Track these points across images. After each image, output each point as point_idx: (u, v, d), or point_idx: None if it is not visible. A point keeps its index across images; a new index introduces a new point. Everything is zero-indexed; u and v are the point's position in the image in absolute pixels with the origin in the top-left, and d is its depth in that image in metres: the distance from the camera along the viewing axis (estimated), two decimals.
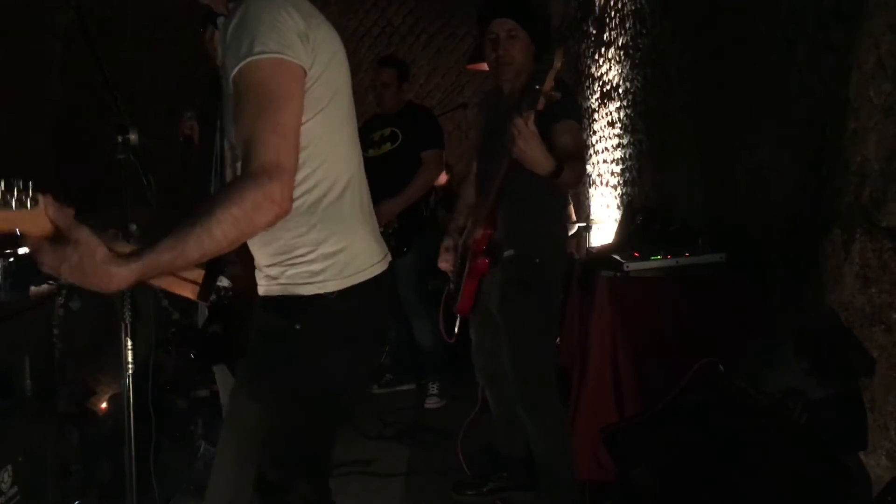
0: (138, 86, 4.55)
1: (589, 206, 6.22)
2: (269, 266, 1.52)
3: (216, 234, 1.24)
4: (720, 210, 3.23)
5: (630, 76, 4.82)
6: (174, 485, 2.91)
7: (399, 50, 8.09)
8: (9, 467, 2.06)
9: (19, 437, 2.14)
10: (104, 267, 1.19)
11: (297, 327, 1.48)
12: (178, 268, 1.31)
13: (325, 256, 1.48)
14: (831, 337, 2.21)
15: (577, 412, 2.80)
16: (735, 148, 3.06)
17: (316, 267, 1.48)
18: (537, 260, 2.50)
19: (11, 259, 2.89)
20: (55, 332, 3.00)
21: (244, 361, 1.59)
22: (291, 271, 1.49)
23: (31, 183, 1.14)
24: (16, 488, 2.08)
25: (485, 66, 2.73)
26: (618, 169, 5.23)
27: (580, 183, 2.71)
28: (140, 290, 2.14)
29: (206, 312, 1.55)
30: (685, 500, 2.13)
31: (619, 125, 5.17)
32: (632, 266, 2.75)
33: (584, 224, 5.66)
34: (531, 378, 2.49)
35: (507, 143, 2.20)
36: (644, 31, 4.41)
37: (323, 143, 1.46)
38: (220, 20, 1.54)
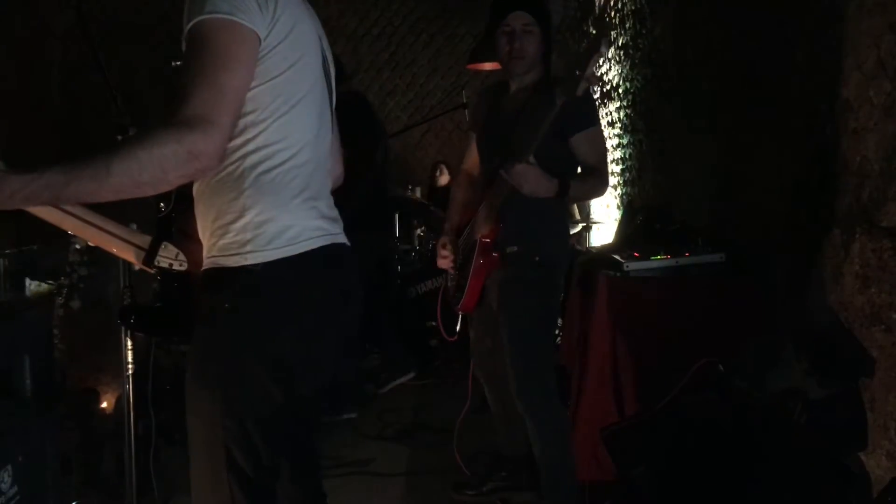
0: (138, 86, 4.55)
1: (589, 206, 6.22)
2: (205, 238, 1.48)
3: (115, 168, 1.19)
4: (720, 210, 3.23)
5: (630, 76, 4.82)
6: (174, 485, 2.91)
7: (399, 50, 8.09)
8: (9, 467, 2.05)
9: (19, 437, 2.14)
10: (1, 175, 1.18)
11: (227, 305, 1.42)
12: (69, 196, 1.23)
13: (252, 226, 1.42)
14: (831, 337, 2.21)
15: (577, 412, 2.80)
16: (735, 147, 3.06)
17: (242, 237, 1.42)
18: (538, 258, 2.50)
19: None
20: (55, 332, 2.99)
21: (191, 346, 1.52)
22: (221, 242, 1.44)
23: None
24: (16, 488, 2.08)
25: (485, 66, 2.74)
26: (618, 169, 5.24)
27: (600, 195, 2.71)
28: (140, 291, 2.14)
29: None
30: (685, 500, 2.13)
31: (619, 125, 5.17)
32: (632, 266, 2.75)
33: (584, 224, 5.66)
34: (531, 376, 2.49)
35: (509, 173, 2.28)
36: (644, 31, 4.41)
37: (269, 112, 1.42)
38: None
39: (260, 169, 1.43)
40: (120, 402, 2.22)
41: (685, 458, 2.19)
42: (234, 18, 1.32)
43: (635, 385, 2.66)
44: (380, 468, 3.19)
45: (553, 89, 2.24)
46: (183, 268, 1.56)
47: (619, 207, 5.15)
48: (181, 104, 1.26)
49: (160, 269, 1.51)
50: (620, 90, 5.08)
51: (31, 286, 3.14)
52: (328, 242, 1.51)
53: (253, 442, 1.45)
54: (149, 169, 1.22)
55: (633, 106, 4.75)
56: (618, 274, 2.77)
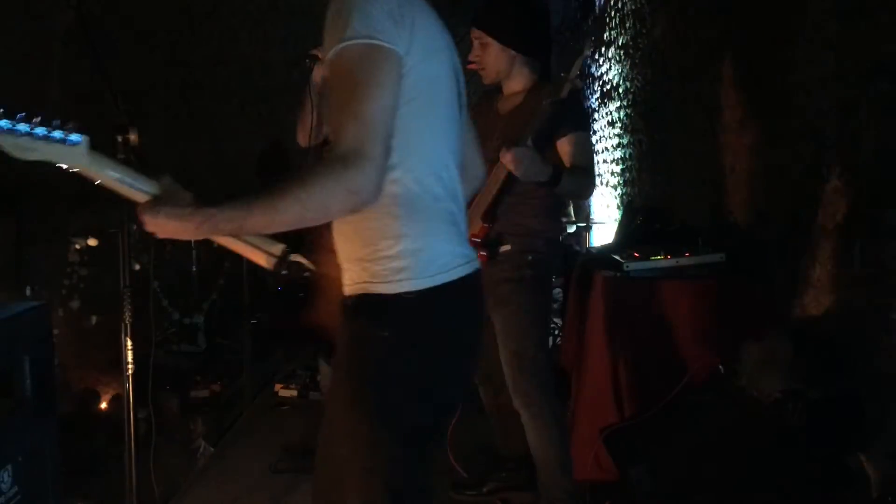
0: (138, 86, 4.55)
1: (589, 206, 6.22)
2: (351, 262, 1.47)
3: (281, 207, 1.25)
4: (720, 210, 3.23)
5: (630, 76, 4.82)
6: (174, 485, 2.91)
7: None
8: (9, 467, 2.05)
9: (19, 437, 2.14)
10: (187, 211, 1.27)
11: (385, 334, 1.42)
12: (246, 229, 1.31)
13: (407, 253, 1.41)
14: (831, 337, 2.21)
15: (576, 412, 2.80)
16: (735, 148, 3.06)
17: (397, 264, 1.41)
18: (530, 257, 2.51)
19: None
20: (55, 332, 3.00)
21: (337, 370, 1.52)
22: (373, 267, 1.42)
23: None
24: (16, 488, 2.08)
25: None
26: (618, 169, 5.24)
27: (588, 196, 2.74)
28: (140, 290, 2.14)
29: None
30: (684, 499, 2.13)
31: (619, 125, 5.17)
32: (632, 266, 2.75)
33: (584, 224, 5.66)
34: (526, 375, 2.49)
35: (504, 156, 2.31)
36: (644, 31, 4.41)
37: (412, 135, 1.40)
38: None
39: (411, 194, 1.41)
40: (120, 402, 2.22)
41: (685, 457, 2.19)
42: (374, 41, 1.30)
43: (635, 385, 2.66)
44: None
45: (541, 92, 2.30)
46: (308, 275, 1.56)
47: (619, 207, 5.15)
48: (335, 141, 1.28)
49: (288, 274, 1.52)
50: (620, 90, 5.08)
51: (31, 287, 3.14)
52: (473, 269, 1.50)
53: (411, 467, 1.47)
54: (312, 209, 1.26)
55: (633, 106, 4.76)
56: (618, 274, 2.77)
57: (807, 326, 2.41)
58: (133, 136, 2.15)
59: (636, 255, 2.81)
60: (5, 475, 2.04)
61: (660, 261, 2.78)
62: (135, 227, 1.85)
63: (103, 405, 3.41)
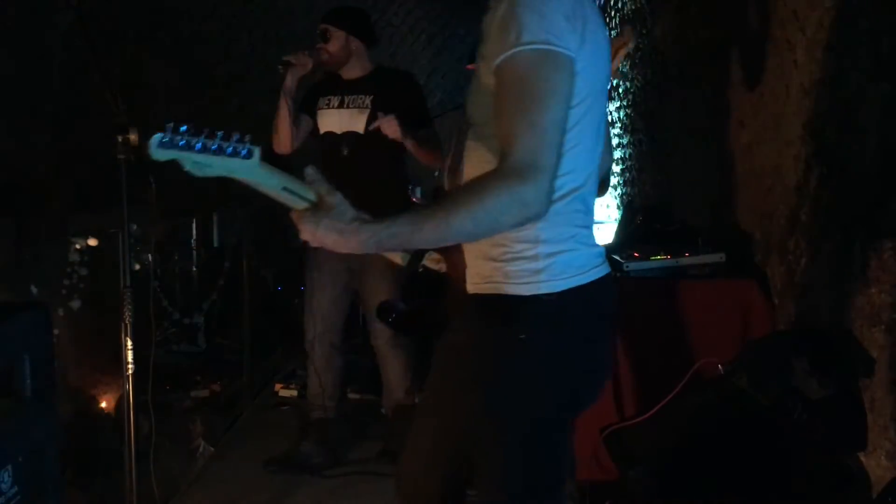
0: (138, 86, 4.55)
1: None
2: (480, 260, 1.45)
3: (453, 222, 1.24)
4: (720, 210, 3.23)
5: (630, 76, 4.82)
6: (174, 485, 2.91)
7: (399, 50, 8.09)
8: (9, 467, 2.05)
9: (19, 437, 2.14)
10: (353, 225, 1.25)
11: (523, 336, 1.40)
12: (413, 244, 1.31)
13: (545, 255, 1.40)
14: (831, 337, 2.21)
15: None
16: (735, 148, 3.06)
17: (535, 265, 1.39)
18: None
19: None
20: (55, 332, 2.99)
21: (453, 369, 1.52)
22: (507, 268, 1.41)
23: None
24: (16, 488, 2.08)
25: None
26: (618, 169, 5.24)
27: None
28: (140, 290, 2.14)
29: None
30: (685, 499, 2.13)
31: (619, 125, 5.17)
32: (632, 266, 2.75)
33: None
34: None
35: None
36: (644, 31, 4.41)
37: (572, 140, 1.37)
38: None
39: (556, 199, 1.38)
40: (120, 402, 2.22)
41: (685, 457, 2.19)
42: (551, 47, 1.27)
43: (635, 385, 2.65)
44: (380, 468, 3.18)
45: None
46: (442, 270, 1.55)
47: (619, 207, 5.16)
48: (507, 152, 1.26)
49: (420, 270, 1.50)
50: (620, 90, 5.09)
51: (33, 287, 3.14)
52: (607, 271, 1.50)
53: (553, 472, 1.50)
54: (484, 224, 1.25)
55: (633, 106, 4.76)
56: (618, 274, 2.77)
57: (807, 326, 2.41)
58: (133, 136, 2.15)
59: (636, 255, 2.81)
60: (5, 475, 2.04)
61: (660, 261, 2.78)
62: (134, 226, 1.84)
63: (103, 405, 3.41)
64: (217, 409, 3.83)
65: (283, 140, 3.07)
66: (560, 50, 1.28)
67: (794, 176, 2.52)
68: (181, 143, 1.14)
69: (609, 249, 3.22)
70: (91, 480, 2.82)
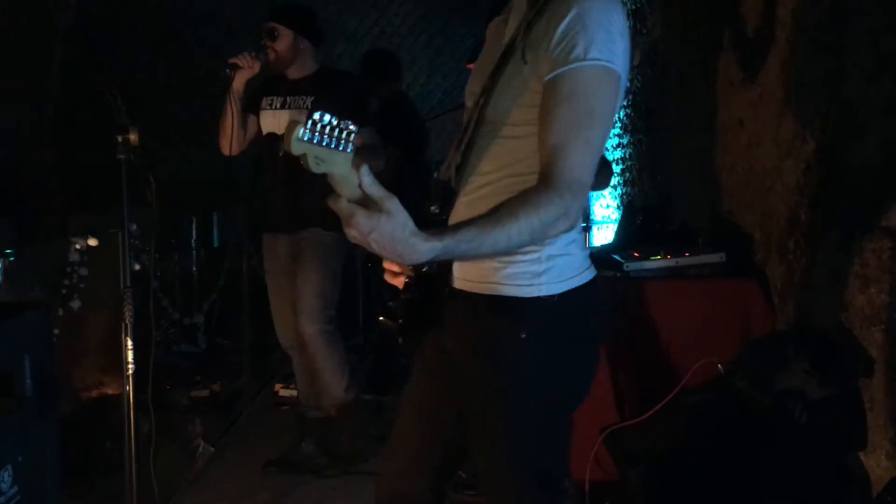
0: (138, 86, 4.55)
1: (589, 206, 6.22)
2: (480, 262, 1.45)
3: (513, 236, 1.25)
4: (720, 210, 3.23)
5: (630, 76, 4.81)
6: (174, 485, 2.91)
7: (399, 50, 8.09)
8: (9, 467, 2.06)
9: (19, 437, 2.14)
10: (411, 239, 1.18)
11: (523, 336, 1.43)
12: (468, 256, 1.29)
13: (545, 258, 1.42)
14: (831, 337, 2.21)
15: (576, 412, 2.79)
16: (735, 148, 3.06)
17: (535, 268, 1.42)
18: None
19: (11, 259, 2.89)
20: (55, 332, 3.00)
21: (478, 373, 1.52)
22: (508, 270, 1.42)
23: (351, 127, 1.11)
24: (16, 488, 2.08)
25: None
26: (618, 169, 5.23)
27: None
28: (140, 290, 2.13)
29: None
30: (685, 500, 2.13)
31: (619, 125, 5.17)
32: (632, 266, 2.75)
33: (583, 224, 5.66)
34: None
35: None
36: (644, 31, 4.41)
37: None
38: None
39: None
40: (120, 402, 2.22)
41: (685, 458, 2.19)
42: (612, 67, 1.30)
43: (635, 385, 2.65)
44: (380, 468, 3.18)
45: None
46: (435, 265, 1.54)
47: (618, 207, 5.15)
48: (561, 165, 1.28)
49: (423, 269, 1.47)
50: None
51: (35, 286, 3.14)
52: (596, 272, 1.53)
53: (558, 465, 1.54)
54: (538, 237, 1.28)
55: (633, 106, 4.75)
56: (618, 274, 2.77)
57: (807, 326, 2.41)
58: (133, 136, 2.15)
59: (636, 255, 2.81)
60: (5, 475, 2.04)
61: (660, 261, 2.77)
62: (134, 226, 1.84)
63: (103, 405, 3.41)
64: (217, 409, 3.83)
65: (229, 142, 3.03)
66: (617, 70, 1.32)
67: (794, 176, 2.52)
68: (316, 139, 1.10)
69: (609, 249, 3.23)
70: (91, 480, 2.83)
